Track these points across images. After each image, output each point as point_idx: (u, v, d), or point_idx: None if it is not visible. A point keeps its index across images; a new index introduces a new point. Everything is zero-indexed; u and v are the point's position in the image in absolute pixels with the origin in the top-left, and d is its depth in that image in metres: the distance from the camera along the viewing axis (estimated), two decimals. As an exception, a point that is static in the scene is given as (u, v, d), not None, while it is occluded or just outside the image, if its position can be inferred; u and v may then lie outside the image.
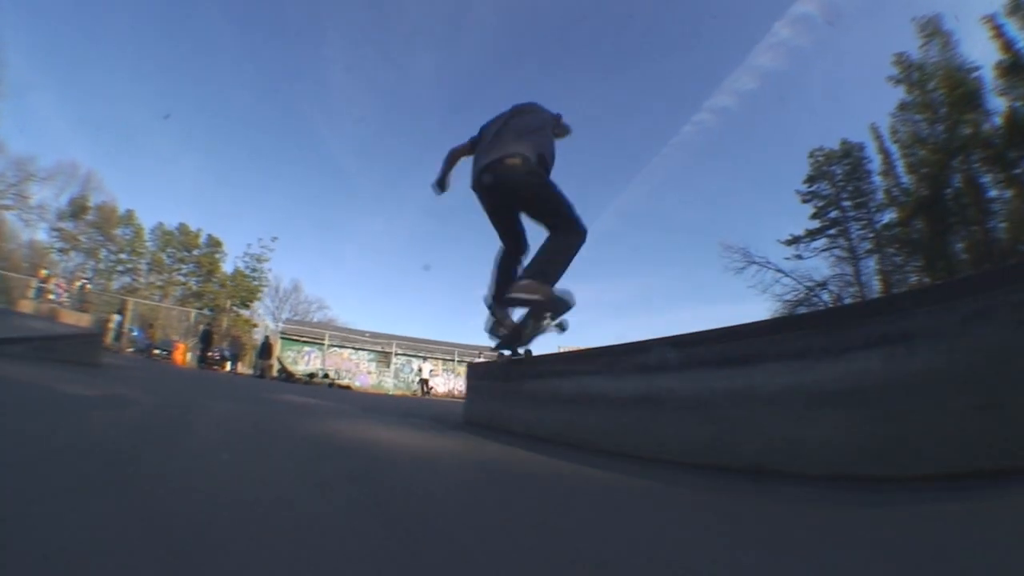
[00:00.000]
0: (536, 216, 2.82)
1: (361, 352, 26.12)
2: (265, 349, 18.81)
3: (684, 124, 61.00)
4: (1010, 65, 23.30)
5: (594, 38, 66.03)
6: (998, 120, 23.71)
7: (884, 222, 31.22)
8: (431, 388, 23.46)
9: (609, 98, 65.63)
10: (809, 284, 30.73)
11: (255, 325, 33.22)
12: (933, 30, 25.59)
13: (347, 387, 19.42)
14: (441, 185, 3.35)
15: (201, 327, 19.35)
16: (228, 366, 18.39)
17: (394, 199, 71.96)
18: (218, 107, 59.75)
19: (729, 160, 56.98)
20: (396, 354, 25.77)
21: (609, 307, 59.43)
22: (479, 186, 2.87)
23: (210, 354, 17.65)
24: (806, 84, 52.68)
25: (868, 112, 50.52)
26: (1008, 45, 23.29)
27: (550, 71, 65.78)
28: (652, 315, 55.86)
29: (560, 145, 3.13)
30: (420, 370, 21.99)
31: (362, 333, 26.83)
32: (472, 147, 3.12)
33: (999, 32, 23.35)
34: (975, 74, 24.12)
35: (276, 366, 20.35)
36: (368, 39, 64.73)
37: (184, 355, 17.54)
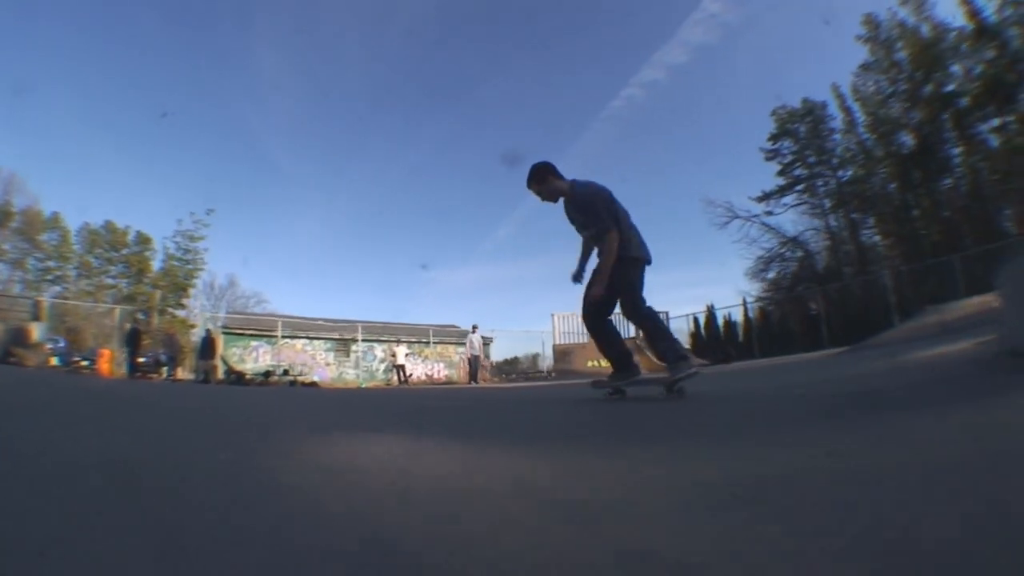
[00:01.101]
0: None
1: (316, 342, 23.34)
2: (207, 347, 15.89)
3: (613, 99, 60.90)
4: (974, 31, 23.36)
5: (521, 16, 64.87)
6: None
7: (845, 179, 31.66)
8: (410, 375, 21.25)
9: (536, 74, 66.29)
10: (783, 239, 31.32)
11: (193, 326, 29.39)
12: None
13: (313, 384, 16.99)
14: (577, 277, 3.86)
15: (127, 327, 16.18)
16: (165, 372, 15.53)
17: (328, 186, 68.34)
18: (141, 99, 53.35)
19: (664, 132, 59.00)
20: (361, 340, 23.17)
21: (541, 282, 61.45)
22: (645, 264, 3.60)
23: (140, 360, 14.73)
24: (736, 57, 54.30)
25: (808, 78, 51.83)
26: (974, 12, 23.36)
27: (477, 50, 65.12)
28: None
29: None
30: (395, 355, 19.49)
31: (314, 320, 23.97)
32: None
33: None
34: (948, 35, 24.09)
35: (222, 367, 17.57)
36: (297, 26, 59.72)
37: (110, 364, 14.48)
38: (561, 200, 3.66)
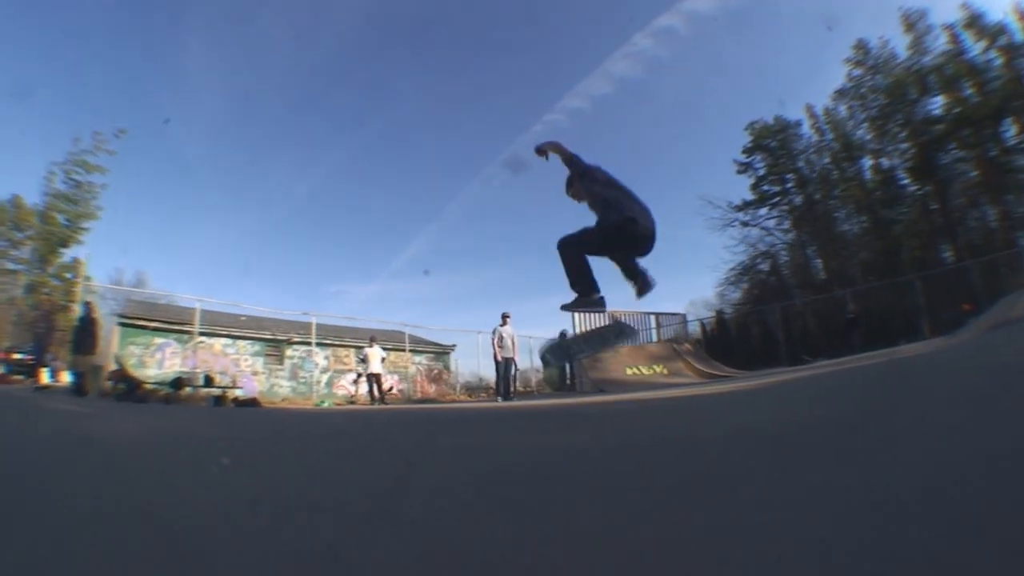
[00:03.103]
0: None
1: (242, 343, 17.99)
2: (84, 335, 10.23)
3: (535, 123, 60.76)
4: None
5: (450, 35, 61.70)
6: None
7: (799, 201, 31.72)
8: (389, 388, 16.37)
9: (460, 92, 62.82)
10: (755, 252, 30.86)
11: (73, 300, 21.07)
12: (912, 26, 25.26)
13: (253, 403, 12.00)
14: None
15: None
16: (45, 376, 9.97)
17: (240, 188, 61.78)
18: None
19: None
20: (317, 341, 17.91)
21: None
22: (643, 232, 3.39)
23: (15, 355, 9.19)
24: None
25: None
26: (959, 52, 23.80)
27: (404, 65, 61.58)
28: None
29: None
30: (367, 359, 13.58)
31: (239, 317, 18.51)
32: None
33: (955, 38, 23.85)
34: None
35: (112, 367, 12.17)
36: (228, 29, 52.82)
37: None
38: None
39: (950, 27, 24.03)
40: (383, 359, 13.99)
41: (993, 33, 22.62)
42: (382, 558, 0.88)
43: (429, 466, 1.97)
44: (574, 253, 3.49)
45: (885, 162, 27.28)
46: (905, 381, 4.01)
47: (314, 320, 17.29)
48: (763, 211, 31.34)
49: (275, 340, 18.83)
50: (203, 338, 15.42)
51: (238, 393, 13.85)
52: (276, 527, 1.11)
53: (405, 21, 60.37)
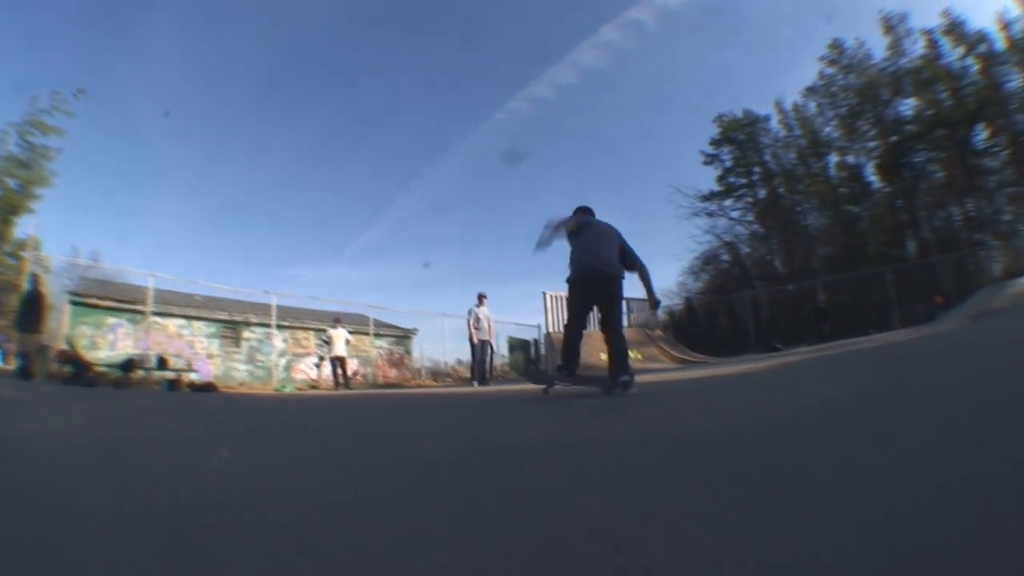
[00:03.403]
0: (608, 313, 4.31)
1: (197, 324, 16.90)
2: (30, 311, 9.30)
3: (497, 111, 62.00)
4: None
5: (416, 21, 60.63)
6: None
7: (763, 196, 32.27)
8: (354, 373, 15.51)
9: (426, 77, 62.16)
10: (717, 242, 31.24)
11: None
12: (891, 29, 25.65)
13: (209, 387, 11.24)
14: (544, 245, 4.27)
15: None
16: None
17: (201, 167, 58.78)
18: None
19: (548, 146, 59.35)
20: (279, 324, 17.02)
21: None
22: (590, 278, 4.19)
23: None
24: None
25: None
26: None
27: (368, 49, 60.30)
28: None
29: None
30: (330, 341, 12.93)
31: (192, 298, 17.34)
32: (575, 227, 4.38)
33: (933, 43, 24.39)
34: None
35: (61, 346, 11.16)
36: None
37: None
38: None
39: (929, 32, 24.57)
40: (347, 341, 13.28)
41: (973, 41, 23.18)
42: None
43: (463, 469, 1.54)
44: (570, 334, 4.38)
45: (851, 159, 27.87)
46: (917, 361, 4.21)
47: (274, 300, 16.29)
48: (728, 202, 31.61)
49: (232, 322, 17.83)
50: (157, 318, 14.35)
51: (193, 377, 12.99)
52: None
53: (369, 5, 58.82)
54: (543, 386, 4.76)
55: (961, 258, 18.51)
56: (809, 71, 31.91)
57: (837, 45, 27.37)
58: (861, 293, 19.17)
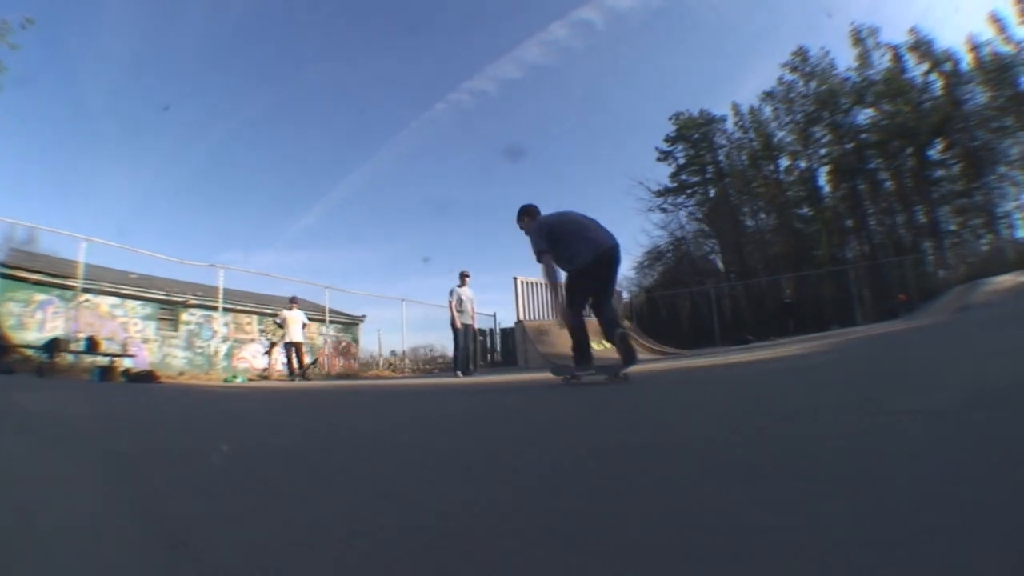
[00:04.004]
0: (610, 287, 4.29)
1: (132, 304, 15.20)
2: None
3: (438, 101, 61.88)
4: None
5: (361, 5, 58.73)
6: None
7: (713, 194, 33.04)
8: (313, 362, 14.29)
9: (369, 63, 59.92)
10: (671, 238, 31.68)
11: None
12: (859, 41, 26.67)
13: (149, 377, 9.49)
14: (555, 277, 4.21)
15: None
16: None
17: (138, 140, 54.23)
18: None
19: (483, 139, 59.49)
20: (197, 304, 15.49)
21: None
22: (604, 259, 4.05)
23: None
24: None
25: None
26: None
27: (315, 30, 58.23)
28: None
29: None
30: (285, 324, 11.54)
31: (127, 275, 15.53)
32: (549, 235, 4.15)
33: (897, 58, 25.64)
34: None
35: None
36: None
37: None
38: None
39: (894, 47, 25.84)
40: (304, 325, 11.90)
41: (939, 59, 24.45)
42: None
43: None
44: (578, 324, 4.20)
45: (803, 164, 28.94)
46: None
47: (221, 275, 13.88)
48: (680, 199, 32.24)
49: (170, 302, 16.20)
50: (88, 296, 12.70)
51: (128, 363, 11.60)
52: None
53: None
54: (564, 376, 4.42)
55: (919, 259, 19.45)
56: (769, 76, 32.69)
57: (801, 52, 28.30)
58: (819, 290, 19.89)
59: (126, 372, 9.61)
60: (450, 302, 9.63)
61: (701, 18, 48.76)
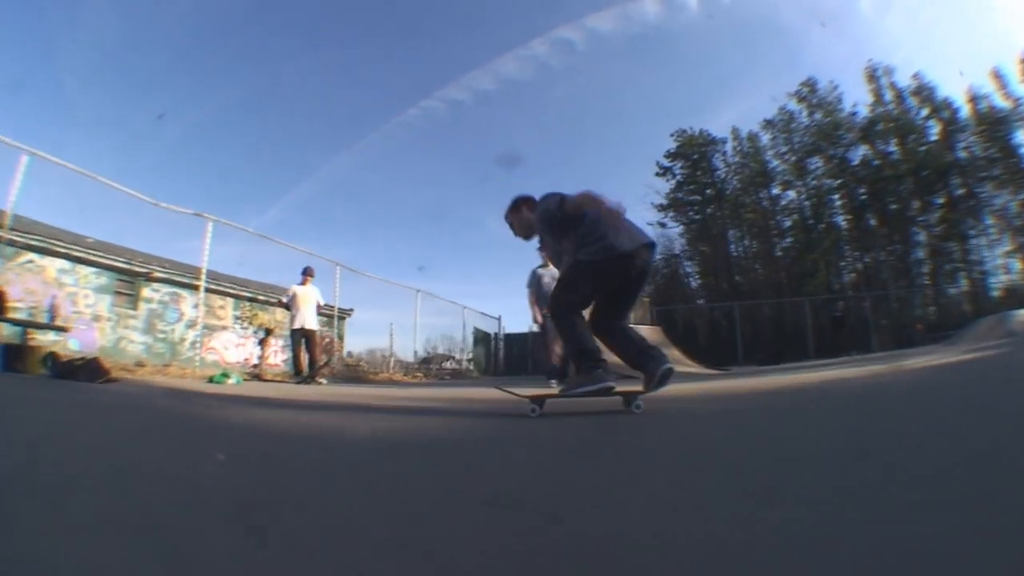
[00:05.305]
0: (635, 298, 3.21)
1: (85, 271, 12.56)
2: None
3: (411, 107, 61.79)
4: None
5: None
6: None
7: (700, 217, 32.56)
8: (327, 361, 11.18)
9: (346, 63, 59.06)
10: (667, 255, 30.87)
11: None
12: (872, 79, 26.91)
13: (97, 370, 4.90)
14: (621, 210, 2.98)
15: None
16: None
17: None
18: None
19: (453, 147, 58.93)
20: (185, 282, 12.95)
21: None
22: (645, 255, 3.04)
23: None
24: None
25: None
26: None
27: (297, 24, 56.68)
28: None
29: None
30: (292, 302, 8.83)
31: (83, 238, 12.81)
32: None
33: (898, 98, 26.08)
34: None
35: None
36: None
37: None
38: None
39: (898, 89, 26.54)
40: (319, 306, 9.14)
41: (938, 106, 25.00)
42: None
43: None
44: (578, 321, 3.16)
45: (791, 194, 28.94)
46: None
47: (210, 225, 9.77)
48: (673, 215, 31.90)
49: (131, 272, 13.62)
50: (32, 255, 10.17)
51: (72, 346, 9.20)
52: None
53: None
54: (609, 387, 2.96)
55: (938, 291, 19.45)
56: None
57: (810, 83, 28.31)
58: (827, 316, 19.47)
59: (50, 357, 5.31)
60: (531, 289, 7.25)
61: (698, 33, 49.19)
